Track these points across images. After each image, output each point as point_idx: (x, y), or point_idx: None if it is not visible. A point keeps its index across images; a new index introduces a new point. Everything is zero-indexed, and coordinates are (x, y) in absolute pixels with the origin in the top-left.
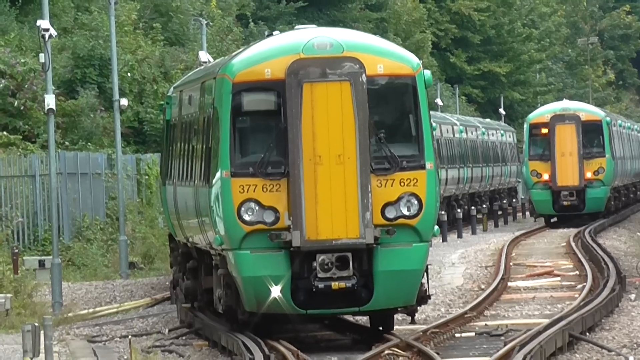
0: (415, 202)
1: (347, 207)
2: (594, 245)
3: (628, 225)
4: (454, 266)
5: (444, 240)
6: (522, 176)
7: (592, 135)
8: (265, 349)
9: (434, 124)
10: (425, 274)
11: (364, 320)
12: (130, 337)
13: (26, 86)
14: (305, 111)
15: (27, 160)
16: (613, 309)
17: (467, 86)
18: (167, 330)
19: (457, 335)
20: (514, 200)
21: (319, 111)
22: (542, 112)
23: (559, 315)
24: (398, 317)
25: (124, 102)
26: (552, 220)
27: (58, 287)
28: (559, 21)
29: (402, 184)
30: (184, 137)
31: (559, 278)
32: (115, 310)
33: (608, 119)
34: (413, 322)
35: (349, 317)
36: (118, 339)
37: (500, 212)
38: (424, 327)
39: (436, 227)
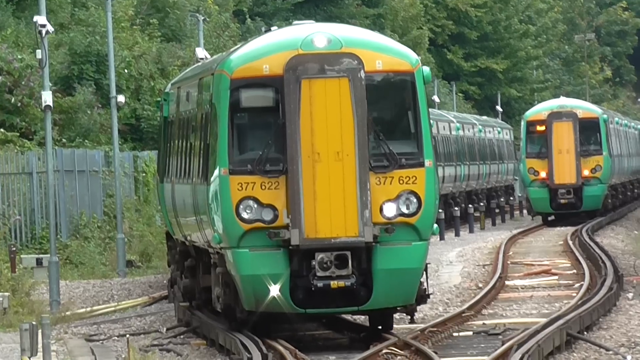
0: (415, 200)
1: (346, 205)
2: (592, 244)
3: (625, 224)
4: (452, 265)
5: (442, 238)
6: (519, 174)
7: (589, 133)
8: (263, 348)
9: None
10: (424, 272)
11: (362, 319)
12: (128, 335)
13: (23, 83)
14: (303, 107)
15: (24, 157)
16: (611, 308)
17: (464, 83)
18: (164, 329)
19: (455, 334)
20: (511, 198)
21: (317, 107)
22: (539, 110)
23: (556, 314)
24: (396, 316)
25: (121, 98)
26: (549, 218)
27: (56, 286)
28: (556, 17)
29: (401, 181)
30: (182, 134)
31: (556, 277)
32: (112, 308)
33: (605, 116)
34: (412, 321)
35: (347, 316)
36: (116, 337)
37: (497, 210)
38: (422, 326)
39: (435, 225)
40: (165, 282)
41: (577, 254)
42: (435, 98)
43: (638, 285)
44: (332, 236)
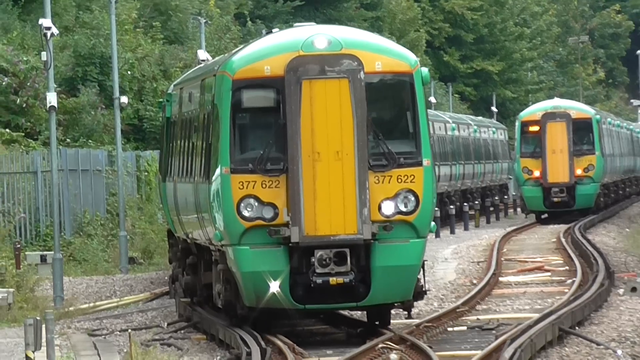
0: (412, 198)
1: (345, 203)
2: (584, 241)
3: (617, 221)
4: (447, 261)
5: (437, 236)
6: (514, 173)
7: (582, 133)
8: (262, 343)
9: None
10: (421, 269)
11: (358, 314)
12: (129, 330)
13: (28, 84)
14: (304, 108)
15: (29, 157)
16: (602, 304)
17: (460, 84)
18: (165, 324)
19: (450, 329)
20: (505, 196)
21: (317, 108)
22: (534, 110)
23: (549, 309)
24: (393, 311)
25: (124, 99)
26: (542, 217)
27: (59, 282)
28: (550, 20)
29: (400, 180)
30: (184, 134)
31: (549, 273)
32: (115, 304)
33: (598, 116)
34: (409, 317)
35: (344, 312)
36: (118, 332)
37: (492, 209)
38: (417, 321)
39: (432, 223)
40: (166, 278)
41: (570, 251)
42: (432, 99)
43: (629, 281)
44: (332, 234)
